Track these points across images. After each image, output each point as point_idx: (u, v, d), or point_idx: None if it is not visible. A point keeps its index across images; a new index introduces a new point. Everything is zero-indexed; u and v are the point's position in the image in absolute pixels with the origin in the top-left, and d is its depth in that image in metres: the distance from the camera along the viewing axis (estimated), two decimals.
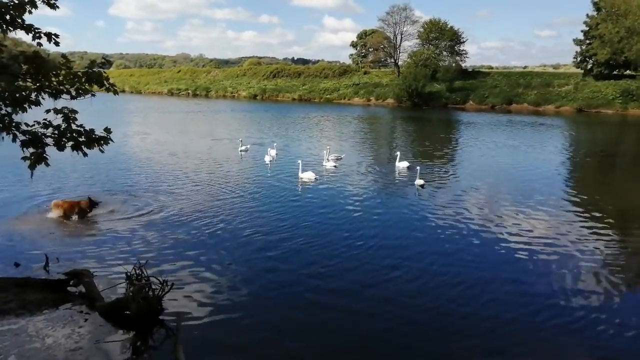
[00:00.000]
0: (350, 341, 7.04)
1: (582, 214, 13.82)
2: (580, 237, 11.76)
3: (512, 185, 17.54)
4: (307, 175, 17.37)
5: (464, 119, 47.70)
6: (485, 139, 31.64)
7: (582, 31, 62.69)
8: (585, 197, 16.14)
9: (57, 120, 5.42)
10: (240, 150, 23.21)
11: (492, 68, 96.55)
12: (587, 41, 61.68)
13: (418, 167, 17.53)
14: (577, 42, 63.09)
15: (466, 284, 8.97)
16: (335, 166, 19.93)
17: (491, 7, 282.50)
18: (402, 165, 20.01)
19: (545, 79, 66.33)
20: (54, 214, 12.34)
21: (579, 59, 63.68)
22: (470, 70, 74.85)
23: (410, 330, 7.38)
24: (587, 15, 61.93)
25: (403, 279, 9.14)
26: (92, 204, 12.88)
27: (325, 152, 20.59)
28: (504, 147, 28.12)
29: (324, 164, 19.98)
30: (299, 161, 18.23)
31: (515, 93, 63.81)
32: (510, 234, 11.85)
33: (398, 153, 20.61)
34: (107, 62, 5.42)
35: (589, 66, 62.30)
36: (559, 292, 8.71)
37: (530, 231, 12.08)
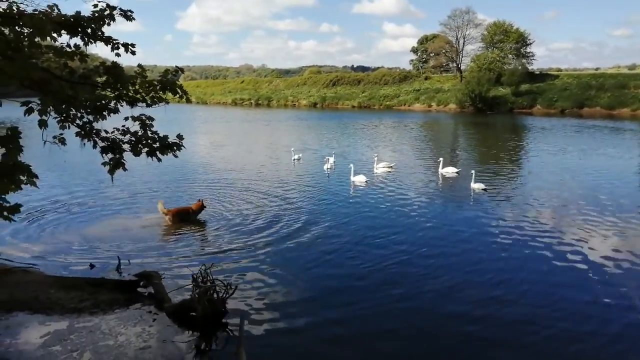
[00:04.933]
0: (417, 348, 6.89)
1: None
2: None
3: (582, 193, 16.53)
4: (359, 179, 18.08)
5: (531, 124, 45.78)
6: (554, 144, 30.17)
7: None
8: None
9: (134, 127, 5.71)
10: (294, 160, 23.50)
11: (561, 70, 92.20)
12: None
13: (473, 171, 17.33)
14: None
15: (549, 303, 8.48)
16: (389, 171, 20.12)
17: (559, 7, 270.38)
18: (447, 170, 19.78)
19: (620, 80, 62.35)
20: (164, 219, 12.79)
21: None
22: (537, 73, 71.89)
23: (477, 346, 7.10)
24: None
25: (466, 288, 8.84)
26: (202, 207, 13.18)
27: (374, 160, 20.82)
28: (574, 153, 26.65)
29: (375, 171, 20.17)
30: (351, 165, 18.81)
31: (587, 96, 60.53)
32: (580, 247, 11.03)
33: (441, 159, 20.37)
34: (180, 70, 5.65)
35: None
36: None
37: (604, 244, 11.28)
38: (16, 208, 4.57)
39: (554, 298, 8.46)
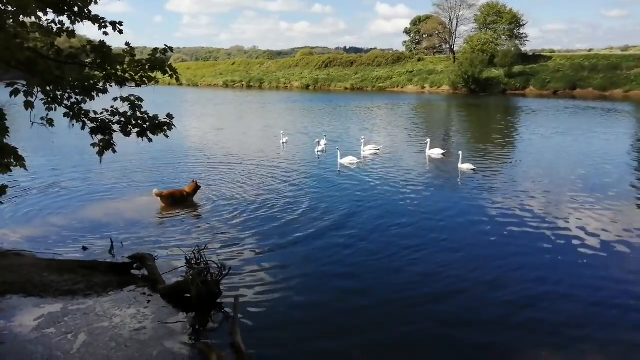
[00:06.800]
0: (404, 336, 6.97)
1: None
2: None
3: (574, 175, 16.59)
4: (348, 160, 18.13)
5: (523, 105, 45.80)
6: (547, 125, 30.23)
7: None
8: None
9: (124, 107, 5.63)
10: (282, 143, 23.39)
11: (554, 52, 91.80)
12: None
13: (460, 153, 17.45)
14: None
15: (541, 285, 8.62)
16: (376, 154, 20.19)
17: None
18: (433, 152, 19.84)
19: (613, 61, 62.20)
20: (159, 203, 12.77)
21: None
22: (530, 54, 71.63)
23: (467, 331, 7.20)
24: None
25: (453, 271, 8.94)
26: (196, 187, 13.31)
27: (361, 143, 20.80)
28: (566, 134, 26.70)
29: (362, 154, 20.12)
30: (337, 148, 18.89)
31: (579, 77, 60.37)
32: (572, 228, 11.11)
33: (428, 140, 20.39)
34: (169, 49, 5.56)
35: None
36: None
37: (595, 225, 11.36)
38: (2, 189, 4.51)
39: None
